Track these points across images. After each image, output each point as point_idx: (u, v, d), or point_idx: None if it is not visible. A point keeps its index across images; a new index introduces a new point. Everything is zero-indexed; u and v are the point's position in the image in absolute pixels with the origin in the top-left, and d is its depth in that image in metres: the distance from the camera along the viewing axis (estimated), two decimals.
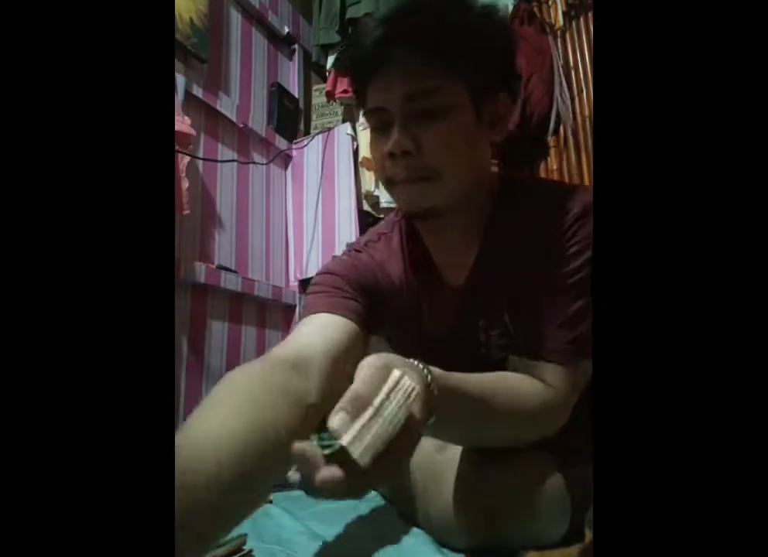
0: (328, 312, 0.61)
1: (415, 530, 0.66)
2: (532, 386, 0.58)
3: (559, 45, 1.66)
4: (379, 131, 0.60)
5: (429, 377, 0.43)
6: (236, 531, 0.59)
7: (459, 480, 0.60)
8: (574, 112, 1.61)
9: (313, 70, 2.21)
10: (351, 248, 0.74)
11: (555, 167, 1.65)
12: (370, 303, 0.66)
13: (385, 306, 0.68)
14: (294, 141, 2.04)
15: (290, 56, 2.19)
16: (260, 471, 0.41)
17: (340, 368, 0.55)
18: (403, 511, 0.74)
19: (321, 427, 0.36)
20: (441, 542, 0.64)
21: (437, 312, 0.70)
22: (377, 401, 0.35)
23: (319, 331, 0.59)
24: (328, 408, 0.36)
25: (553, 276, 0.59)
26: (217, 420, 0.42)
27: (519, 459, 0.61)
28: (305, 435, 0.36)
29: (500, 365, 0.63)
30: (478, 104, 0.59)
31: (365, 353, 0.52)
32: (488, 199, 0.66)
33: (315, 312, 0.62)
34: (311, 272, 1.88)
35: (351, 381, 0.40)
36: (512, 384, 0.58)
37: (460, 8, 0.60)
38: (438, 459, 0.65)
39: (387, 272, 0.70)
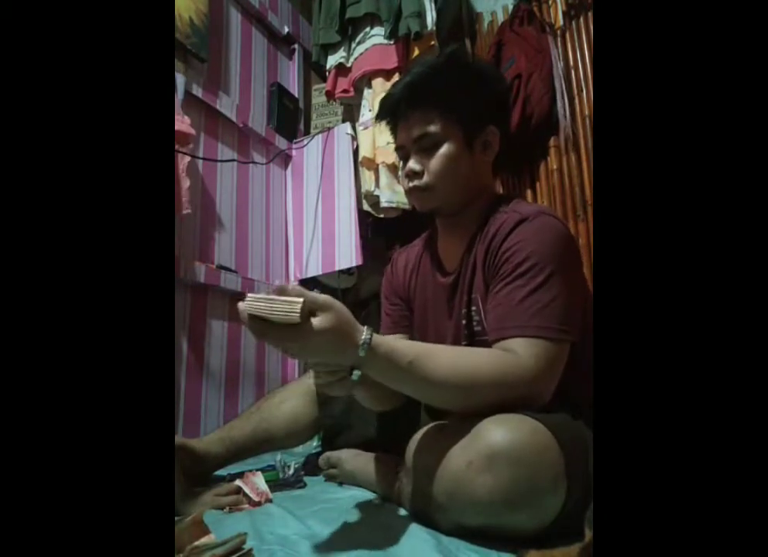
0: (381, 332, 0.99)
1: (414, 527, 0.66)
2: (492, 354, 0.71)
3: (559, 44, 1.66)
4: (403, 160, 0.89)
5: (367, 338, 0.61)
6: (236, 531, 0.59)
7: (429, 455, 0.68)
8: (573, 112, 1.61)
9: (313, 69, 2.21)
10: (390, 260, 1.07)
11: (555, 167, 1.64)
12: (407, 302, 1.00)
13: (410, 297, 0.99)
14: (294, 140, 2.04)
15: (290, 56, 2.19)
16: None
17: None
18: (399, 504, 0.77)
19: None
20: (439, 530, 0.65)
21: (437, 290, 0.92)
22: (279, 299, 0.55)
23: None
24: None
25: (503, 272, 0.77)
26: None
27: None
28: None
29: (484, 343, 0.77)
30: (468, 137, 0.85)
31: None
32: (483, 210, 0.87)
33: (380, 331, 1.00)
34: (311, 272, 1.88)
35: None
36: (464, 351, 0.74)
37: (460, 70, 0.86)
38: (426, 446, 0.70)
39: (406, 270, 1.00)
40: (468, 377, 0.66)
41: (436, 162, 0.84)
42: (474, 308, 0.84)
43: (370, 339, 0.61)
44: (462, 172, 0.85)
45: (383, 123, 0.92)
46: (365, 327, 0.62)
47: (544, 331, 0.70)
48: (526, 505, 0.60)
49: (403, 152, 0.88)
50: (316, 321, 0.57)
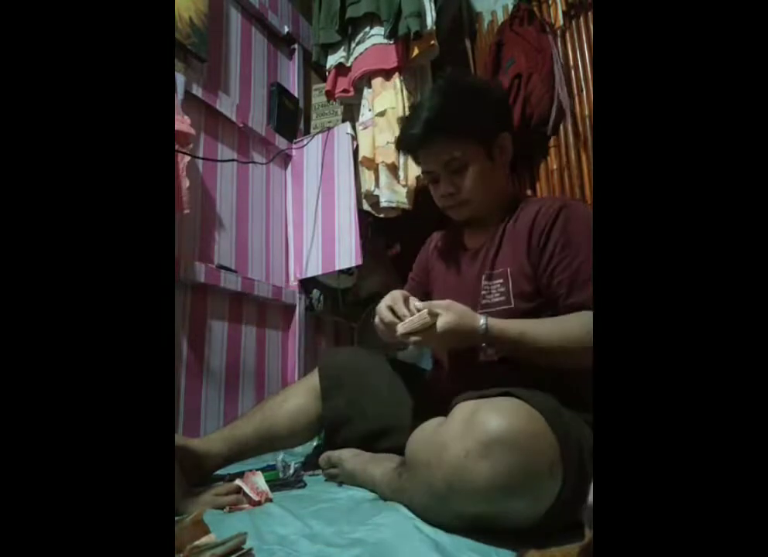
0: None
1: (414, 527, 0.66)
2: (582, 318, 0.81)
3: (559, 44, 1.66)
4: (433, 182, 1.00)
5: (484, 324, 0.79)
6: (236, 530, 0.59)
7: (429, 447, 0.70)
8: (573, 111, 1.61)
9: (313, 69, 2.21)
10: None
11: (555, 167, 1.64)
12: (430, 275, 1.12)
13: (436, 272, 1.11)
14: (294, 140, 2.03)
15: (290, 56, 2.18)
16: None
17: None
18: (399, 503, 0.77)
19: None
20: (439, 522, 0.66)
21: (459, 261, 1.04)
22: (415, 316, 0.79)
23: None
24: None
25: (550, 256, 0.87)
26: None
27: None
28: None
29: (497, 314, 0.87)
30: (487, 149, 0.96)
31: None
32: (504, 203, 1.00)
33: None
34: (311, 272, 1.88)
35: None
36: (558, 320, 0.83)
37: (464, 91, 0.96)
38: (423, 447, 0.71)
39: (429, 246, 1.16)
40: (571, 340, 0.77)
41: (469, 181, 0.95)
42: (500, 281, 0.92)
43: (486, 325, 0.78)
44: (490, 182, 0.97)
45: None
46: (481, 316, 0.79)
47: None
48: (523, 491, 0.61)
49: (432, 176, 0.99)
50: (440, 321, 0.75)
